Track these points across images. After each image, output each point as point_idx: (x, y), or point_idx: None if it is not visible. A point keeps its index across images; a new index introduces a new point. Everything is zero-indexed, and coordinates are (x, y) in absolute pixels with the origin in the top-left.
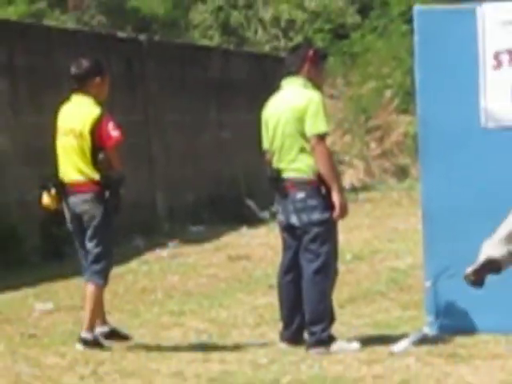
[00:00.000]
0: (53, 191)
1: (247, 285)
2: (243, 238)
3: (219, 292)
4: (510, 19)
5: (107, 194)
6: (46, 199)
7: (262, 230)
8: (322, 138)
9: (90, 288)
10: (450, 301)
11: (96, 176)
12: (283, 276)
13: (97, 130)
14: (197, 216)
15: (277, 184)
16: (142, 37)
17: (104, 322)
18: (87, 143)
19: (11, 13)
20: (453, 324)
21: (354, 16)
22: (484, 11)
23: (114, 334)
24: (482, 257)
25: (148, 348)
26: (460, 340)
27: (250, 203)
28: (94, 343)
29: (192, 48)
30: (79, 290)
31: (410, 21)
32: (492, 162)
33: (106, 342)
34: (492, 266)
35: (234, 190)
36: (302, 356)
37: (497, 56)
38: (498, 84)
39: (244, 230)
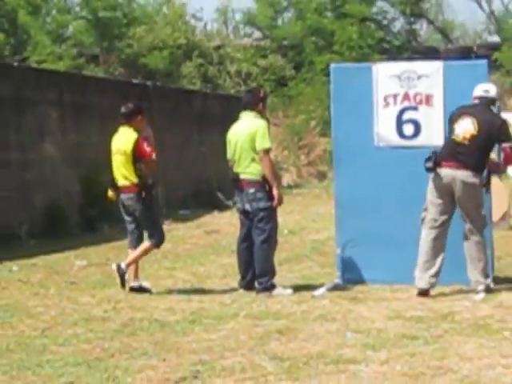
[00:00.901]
0: (113, 189)
1: (217, 250)
2: (215, 219)
3: (198, 254)
4: (394, 74)
5: (144, 194)
6: (110, 193)
7: (227, 214)
8: (267, 152)
9: (145, 243)
10: (353, 262)
11: (136, 181)
12: (240, 244)
13: (136, 149)
14: (184, 204)
15: (236, 182)
16: (149, 83)
17: (136, 279)
18: (130, 158)
19: (60, 66)
20: (354, 277)
21: (290, 70)
22: (377, 68)
23: (142, 288)
24: (418, 288)
25: (150, 291)
26: (359, 288)
27: (220, 195)
28: (139, 289)
29: (182, 91)
30: (105, 252)
31: (328, 74)
32: (381, 169)
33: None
34: (426, 293)
35: (209, 186)
36: (254, 298)
37: (385, 99)
38: (386, 117)
39: (216, 213)
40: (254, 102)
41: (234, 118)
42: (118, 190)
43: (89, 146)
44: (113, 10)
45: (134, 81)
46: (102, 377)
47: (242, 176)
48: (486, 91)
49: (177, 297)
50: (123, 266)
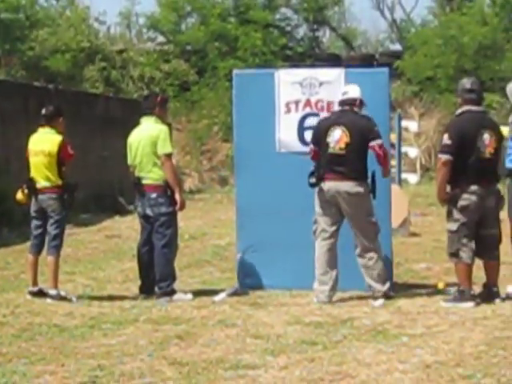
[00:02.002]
0: (25, 191)
1: (118, 254)
2: (116, 223)
3: (99, 259)
4: (295, 80)
5: (66, 195)
6: (19, 195)
7: (128, 218)
8: (169, 156)
9: (50, 259)
10: (253, 267)
11: (59, 182)
12: (141, 249)
13: (61, 151)
14: (85, 208)
15: (138, 187)
16: (51, 86)
17: (35, 284)
18: (54, 160)
19: None
20: (254, 282)
21: (194, 75)
22: (279, 75)
23: (41, 292)
24: (318, 302)
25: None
26: (259, 293)
27: (121, 200)
28: (58, 297)
29: (84, 94)
30: (5, 256)
31: (231, 79)
32: (283, 175)
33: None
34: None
35: (110, 191)
36: (153, 303)
37: (287, 105)
38: (287, 123)
39: (117, 217)
40: (152, 106)
41: (136, 123)
42: (35, 191)
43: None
44: (15, 11)
45: (36, 84)
46: None
47: (144, 181)
48: (345, 93)
49: (76, 302)
50: (52, 292)
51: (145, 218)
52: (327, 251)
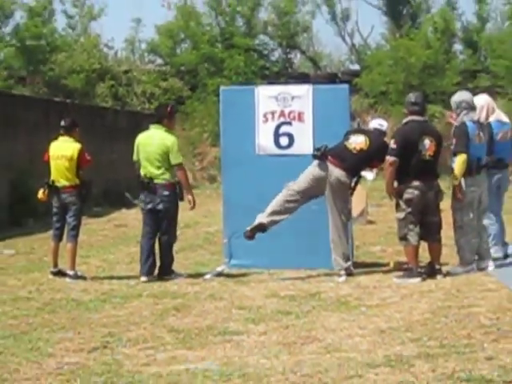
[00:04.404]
0: (46, 190)
1: (125, 240)
2: (123, 215)
3: (109, 245)
4: (272, 94)
5: (84, 191)
6: (40, 194)
7: (134, 211)
8: (181, 164)
9: (69, 245)
10: (237, 250)
11: (77, 181)
12: (146, 237)
13: (80, 156)
14: (97, 202)
15: (147, 185)
16: (68, 101)
17: (56, 265)
18: (74, 163)
19: None
20: (238, 263)
21: (187, 91)
22: (258, 90)
23: (61, 272)
24: (256, 222)
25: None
26: (242, 272)
27: (128, 195)
28: (76, 277)
29: (96, 108)
30: (31, 243)
31: (218, 94)
32: (261, 174)
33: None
34: (260, 228)
35: (118, 187)
36: (155, 281)
37: (265, 115)
38: (265, 131)
39: (124, 210)
40: (162, 116)
41: (139, 130)
42: (56, 190)
43: (17, 154)
44: (38, 39)
45: (56, 99)
46: (26, 347)
47: (157, 180)
48: (381, 125)
49: (91, 280)
50: (70, 272)
51: (153, 212)
52: (287, 202)
